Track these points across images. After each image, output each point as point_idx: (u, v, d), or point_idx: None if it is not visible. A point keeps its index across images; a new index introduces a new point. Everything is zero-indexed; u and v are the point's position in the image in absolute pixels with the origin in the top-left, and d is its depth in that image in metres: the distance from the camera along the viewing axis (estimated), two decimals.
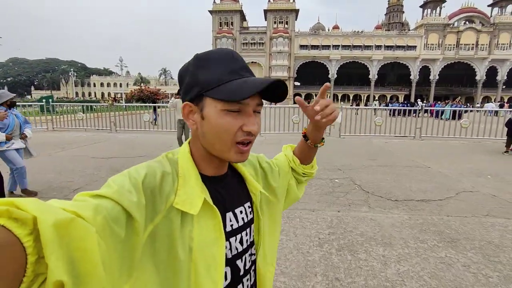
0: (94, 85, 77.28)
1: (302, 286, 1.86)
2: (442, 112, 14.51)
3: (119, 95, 48.94)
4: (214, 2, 50.95)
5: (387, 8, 70.92)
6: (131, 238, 0.38)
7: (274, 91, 0.51)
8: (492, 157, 6.24)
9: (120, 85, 62.68)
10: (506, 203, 3.43)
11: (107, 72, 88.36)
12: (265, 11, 50.26)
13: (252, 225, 0.59)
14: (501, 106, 21.70)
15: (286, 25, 49.64)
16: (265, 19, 51.12)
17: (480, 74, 49.36)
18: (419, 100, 25.76)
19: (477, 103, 37.08)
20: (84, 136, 8.63)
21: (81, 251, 0.31)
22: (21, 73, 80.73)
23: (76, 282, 0.30)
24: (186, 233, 0.45)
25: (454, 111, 12.35)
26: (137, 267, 0.39)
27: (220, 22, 50.38)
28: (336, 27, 56.71)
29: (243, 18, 52.75)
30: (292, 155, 0.72)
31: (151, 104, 13.48)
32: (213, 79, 0.47)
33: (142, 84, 36.09)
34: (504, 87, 49.94)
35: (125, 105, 12.26)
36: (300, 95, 54.15)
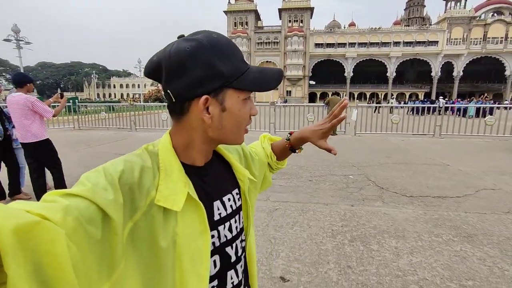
0: (114, 87, 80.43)
1: (315, 272, 1.94)
2: (466, 110, 13.90)
3: (137, 96, 50.65)
4: (229, 2, 51.46)
5: (407, 2, 68.47)
6: (109, 237, 0.36)
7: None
8: None
9: (138, 86, 64.80)
10: None
11: (126, 74, 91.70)
12: (280, 10, 50.14)
13: (241, 212, 0.58)
14: None
15: (301, 24, 49.26)
16: (280, 18, 50.99)
17: (510, 69, 46.56)
18: (440, 97, 24.77)
19: (506, 100, 34.96)
20: (107, 135, 9.09)
21: (49, 255, 0.29)
22: (49, 76, 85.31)
23: None
24: (169, 228, 0.44)
25: (479, 109, 11.81)
26: (118, 266, 0.38)
27: (235, 22, 50.83)
28: (352, 24, 55.55)
29: (257, 17, 52.88)
30: (271, 152, 0.75)
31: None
32: (235, 69, 0.47)
33: (159, 84, 37.26)
34: None
35: (143, 105, 12.72)
36: (315, 94, 53.57)
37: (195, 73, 0.45)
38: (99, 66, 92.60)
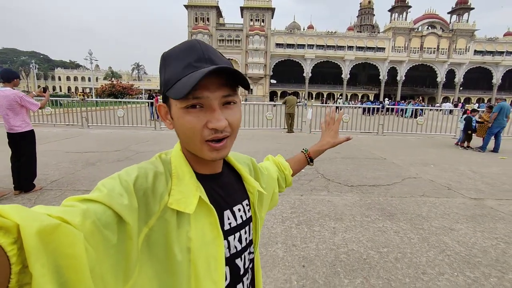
0: (59, 79, 72.31)
1: (265, 251, 2.24)
2: (405, 111, 15.89)
3: (88, 90, 46.39)
4: None
5: (359, 10, 74.04)
6: (124, 242, 0.37)
7: (235, 79, 0.47)
8: (439, 150, 7.13)
9: (89, 79, 59.35)
10: (439, 186, 4.10)
11: (73, 65, 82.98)
12: (242, 8, 50.27)
13: (251, 223, 0.58)
14: (456, 106, 24.12)
15: (262, 23, 50.10)
16: (242, 16, 51.13)
17: (441, 76, 53.59)
18: (386, 99, 27.61)
19: (437, 103, 40.27)
20: (54, 132, 8.37)
21: (68, 258, 0.30)
22: None
23: None
24: (183, 233, 0.44)
25: (414, 110, 13.78)
26: (133, 272, 0.39)
27: (196, 18, 49.58)
28: (311, 27, 58.22)
29: (219, 14, 52.30)
30: (287, 164, 0.80)
31: (142, 100, 13.17)
32: (172, 77, 0.46)
33: (113, 78, 34.60)
34: (461, 88, 54.68)
35: (97, 101, 11.90)
36: (276, 93, 55.08)
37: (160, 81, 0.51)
38: (39, 55, 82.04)
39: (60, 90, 67.70)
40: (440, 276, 1.97)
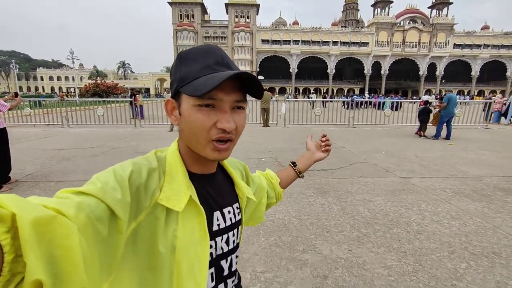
0: (42, 79, 70.47)
1: None
2: (383, 104, 16.68)
3: (72, 90, 45.54)
4: None
5: (344, 5, 74.84)
6: (114, 236, 0.38)
7: (250, 86, 0.50)
8: (397, 139, 7.77)
9: (73, 79, 58.12)
10: (380, 169, 4.66)
11: (56, 65, 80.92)
12: (226, 5, 50.20)
13: (240, 227, 0.59)
14: (437, 98, 25.29)
15: (247, 20, 50.28)
16: (227, 13, 51.08)
17: (423, 70, 55.26)
18: (366, 93, 28.55)
19: (418, 96, 41.68)
20: (33, 131, 8.56)
21: (63, 249, 0.30)
22: None
23: (56, 282, 0.29)
24: (170, 231, 0.45)
25: (393, 104, 14.53)
26: (117, 266, 0.39)
27: (181, 15, 49.26)
28: (296, 23, 58.72)
29: (204, 11, 52.09)
30: (275, 174, 0.81)
31: (121, 99, 13.29)
32: (187, 75, 0.48)
33: (98, 78, 34.15)
34: (443, 81, 56.53)
35: (76, 100, 12.04)
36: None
37: (171, 80, 0.53)
38: (19, 54, 79.53)
39: (43, 91, 65.96)
40: (340, 233, 2.49)
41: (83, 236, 0.33)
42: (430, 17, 56.69)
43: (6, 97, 4.85)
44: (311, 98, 28.65)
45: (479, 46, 54.98)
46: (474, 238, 2.39)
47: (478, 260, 2.07)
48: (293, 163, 0.86)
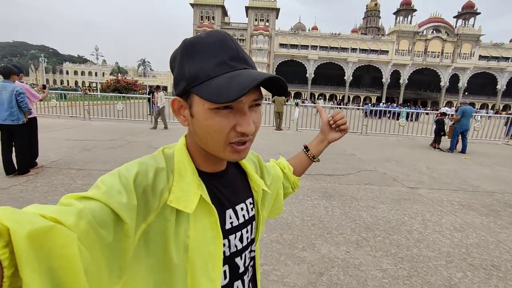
0: (67, 73, 74.04)
1: None
2: (399, 114, 16.37)
3: (94, 84, 47.55)
4: None
5: (365, 12, 73.95)
6: (121, 240, 0.37)
7: (273, 84, 0.45)
8: (410, 150, 7.66)
9: (96, 74, 60.65)
10: (388, 178, 4.66)
11: (81, 60, 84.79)
12: (247, 8, 50.89)
13: (254, 222, 0.58)
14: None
15: (266, 23, 50.74)
16: (247, 16, 51.77)
17: (444, 81, 53.52)
18: (383, 102, 28.05)
19: (437, 108, 40.38)
20: (57, 122, 9.09)
21: (61, 259, 0.30)
22: None
23: None
24: (181, 231, 0.44)
25: (408, 114, 14.27)
26: (128, 268, 0.39)
27: (201, 16, 50.42)
28: (315, 28, 58.61)
29: (224, 13, 53.02)
30: (288, 163, 0.78)
31: (141, 96, 13.88)
32: (199, 73, 0.43)
33: (119, 74, 35.52)
34: (465, 93, 54.53)
35: (98, 95, 12.62)
36: None
37: (174, 74, 0.47)
38: (49, 49, 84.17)
39: (68, 84, 69.21)
40: (340, 235, 2.57)
41: (84, 244, 0.32)
42: (456, 27, 54.97)
43: (35, 88, 5.29)
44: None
45: (507, 58, 52.70)
46: (474, 250, 2.41)
47: (475, 271, 2.09)
48: (306, 147, 0.80)
